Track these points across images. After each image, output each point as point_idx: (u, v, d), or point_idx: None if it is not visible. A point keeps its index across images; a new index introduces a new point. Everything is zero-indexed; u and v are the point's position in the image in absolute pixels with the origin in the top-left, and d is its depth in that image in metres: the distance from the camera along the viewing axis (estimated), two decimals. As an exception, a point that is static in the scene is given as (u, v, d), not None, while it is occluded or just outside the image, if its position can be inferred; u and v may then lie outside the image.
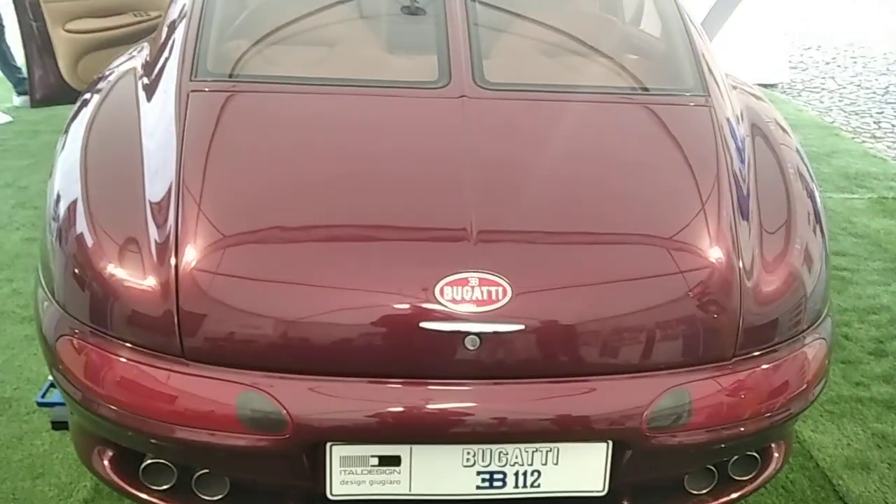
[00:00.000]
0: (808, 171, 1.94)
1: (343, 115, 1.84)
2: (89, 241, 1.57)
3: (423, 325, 1.44)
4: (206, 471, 1.56)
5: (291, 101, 1.84)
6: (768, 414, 1.59)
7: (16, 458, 2.10)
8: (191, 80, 1.83)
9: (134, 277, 1.50)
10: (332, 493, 1.51)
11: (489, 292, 1.46)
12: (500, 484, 1.53)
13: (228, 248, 1.52)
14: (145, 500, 1.59)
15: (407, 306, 1.47)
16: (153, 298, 1.48)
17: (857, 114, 5.94)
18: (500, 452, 1.51)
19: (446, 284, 1.46)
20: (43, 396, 2.01)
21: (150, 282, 1.49)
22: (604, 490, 1.56)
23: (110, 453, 1.60)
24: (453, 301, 1.45)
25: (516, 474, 1.53)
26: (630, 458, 1.54)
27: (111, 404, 1.49)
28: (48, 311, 1.62)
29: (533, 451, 1.52)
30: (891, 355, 2.73)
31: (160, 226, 1.54)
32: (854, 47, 8.25)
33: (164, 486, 1.58)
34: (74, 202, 1.64)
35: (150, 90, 1.88)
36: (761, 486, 1.75)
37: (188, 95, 1.79)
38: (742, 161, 1.83)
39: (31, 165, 4.09)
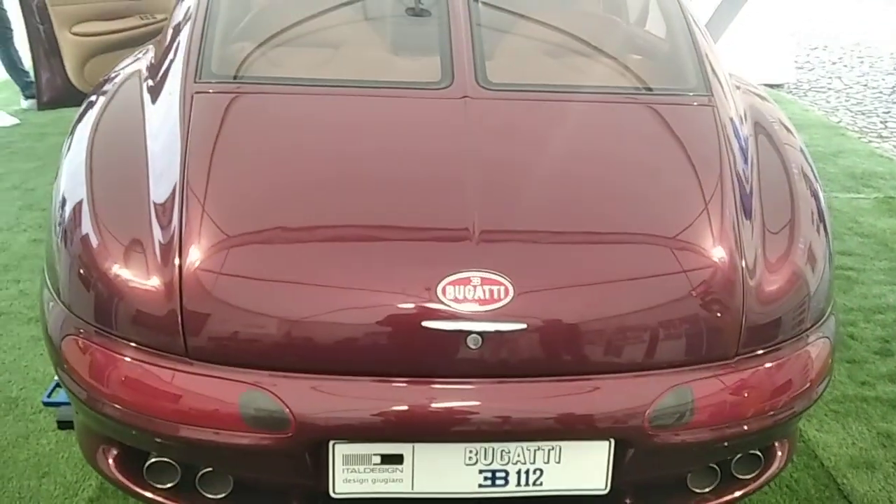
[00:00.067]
0: (811, 170, 1.94)
1: (345, 116, 1.84)
2: (94, 241, 1.58)
3: (426, 324, 1.45)
4: (210, 469, 1.57)
5: (294, 103, 1.85)
6: (771, 412, 1.59)
7: (22, 457, 2.11)
8: (195, 82, 1.84)
9: (138, 278, 1.52)
10: (335, 492, 1.52)
11: (491, 291, 1.46)
12: (502, 482, 1.53)
13: (231, 249, 1.53)
14: (149, 498, 1.60)
15: (409, 306, 1.47)
16: (157, 298, 1.49)
17: (863, 113, 5.92)
18: (502, 451, 1.52)
19: (449, 284, 1.46)
20: (49, 396, 2.02)
21: (154, 282, 1.50)
22: (606, 488, 1.56)
23: (115, 452, 1.62)
24: (455, 300, 1.45)
25: (518, 473, 1.53)
26: (632, 457, 1.54)
27: (116, 403, 1.50)
28: (53, 312, 1.63)
29: (535, 450, 1.52)
30: (896, 355, 2.72)
31: (164, 227, 1.55)
32: (861, 47, 8.22)
33: (169, 485, 1.59)
34: (80, 203, 1.66)
35: (155, 92, 1.90)
36: (764, 485, 1.75)
37: (192, 97, 1.80)
38: (745, 160, 1.83)
39: (39, 168, 4.12)
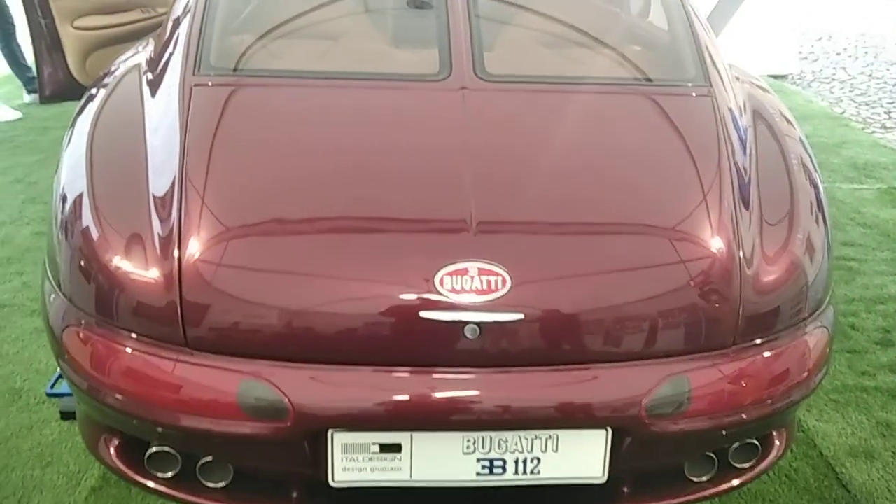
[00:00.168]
0: (811, 161, 1.94)
1: (344, 107, 1.85)
2: (94, 234, 1.59)
3: (423, 314, 1.46)
4: (210, 459, 1.58)
5: (293, 95, 1.86)
6: (769, 401, 1.60)
7: (26, 447, 2.13)
8: (194, 75, 1.84)
9: (138, 269, 1.53)
10: (334, 480, 1.53)
11: (489, 282, 1.47)
12: (500, 471, 1.54)
13: (230, 240, 1.54)
14: (151, 487, 1.62)
15: (407, 296, 1.48)
16: (157, 290, 1.50)
17: (867, 104, 5.89)
18: (499, 440, 1.52)
19: (446, 274, 1.47)
20: (52, 387, 2.04)
21: (154, 274, 1.51)
22: (603, 477, 1.57)
23: (116, 442, 1.63)
24: (453, 291, 1.46)
25: (516, 461, 1.54)
26: (630, 446, 1.55)
27: (116, 393, 1.52)
28: (55, 303, 1.64)
29: (532, 439, 1.53)
30: (897, 345, 2.72)
31: (164, 219, 1.56)
32: (865, 38, 8.17)
33: (169, 474, 1.60)
34: (80, 196, 1.67)
35: (154, 85, 1.90)
36: (762, 474, 1.76)
37: (191, 90, 1.81)
38: (744, 151, 1.83)
39: (41, 161, 4.14)
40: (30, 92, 5.07)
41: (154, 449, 1.58)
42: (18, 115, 4.91)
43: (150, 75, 1.97)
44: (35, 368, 2.45)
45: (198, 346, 1.49)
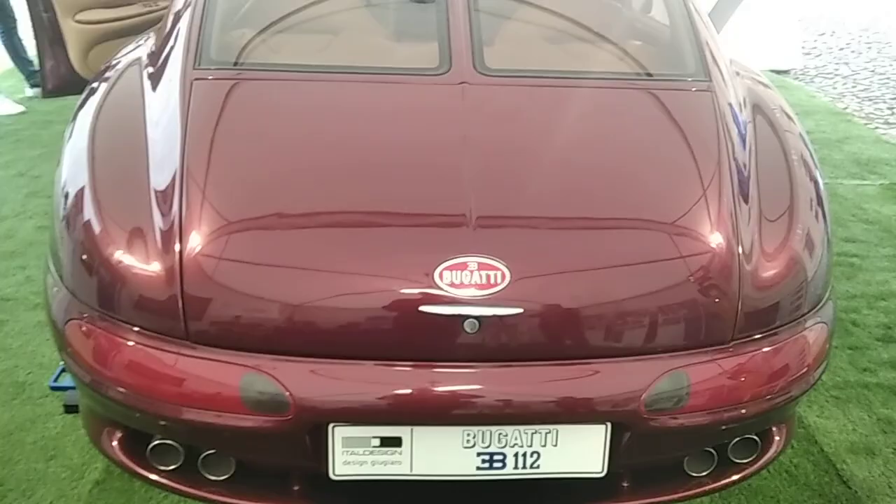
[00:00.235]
0: (812, 157, 1.94)
1: (344, 102, 1.85)
2: (96, 228, 1.60)
3: (423, 308, 1.46)
4: (212, 451, 1.59)
5: (293, 89, 1.86)
6: (768, 396, 1.60)
7: (29, 440, 2.15)
8: (194, 69, 1.85)
9: (140, 263, 1.53)
10: (334, 473, 1.54)
11: (488, 276, 1.47)
12: (499, 465, 1.55)
13: (231, 234, 1.55)
14: (153, 480, 1.63)
15: (407, 290, 1.49)
16: (158, 283, 1.51)
17: (870, 100, 5.88)
18: (499, 434, 1.53)
19: (446, 269, 1.47)
20: (55, 380, 2.05)
21: (155, 267, 1.52)
22: (603, 471, 1.57)
23: (119, 434, 1.64)
24: (452, 285, 1.46)
25: (516, 455, 1.55)
26: (629, 440, 1.56)
27: (119, 386, 1.53)
28: (57, 297, 1.65)
29: (532, 433, 1.54)
30: (898, 341, 2.72)
31: (165, 213, 1.57)
32: (868, 33, 8.15)
33: (172, 467, 1.61)
34: (82, 190, 1.67)
35: (155, 79, 1.91)
36: (762, 469, 1.76)
37: (192, 84, 1.81)
38: (744, 146, 1.83)
39: (44, 155, 4.15)
40: (32, 86, 5.07)
41: (156, 442, 1.59)
42: (21, 109, 4.92)
43: (150, 69, 1.97)
44: (38, 362, 2.47)
45: (199, 339, 1.50)
